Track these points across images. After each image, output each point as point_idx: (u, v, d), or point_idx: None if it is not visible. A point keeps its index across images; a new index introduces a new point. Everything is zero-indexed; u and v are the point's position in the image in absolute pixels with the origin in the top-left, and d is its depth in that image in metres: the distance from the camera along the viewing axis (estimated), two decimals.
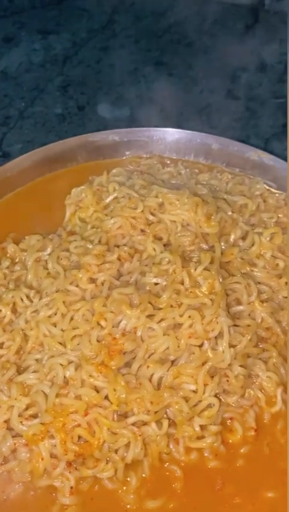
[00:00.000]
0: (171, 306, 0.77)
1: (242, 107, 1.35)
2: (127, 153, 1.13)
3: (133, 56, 1.52)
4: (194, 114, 1.32)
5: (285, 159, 1.12)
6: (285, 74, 1.45)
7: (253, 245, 0.90)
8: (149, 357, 0.75)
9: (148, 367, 0.73)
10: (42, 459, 0.69)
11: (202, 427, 0.73)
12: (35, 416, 0.72)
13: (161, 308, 0.77)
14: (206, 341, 0.75)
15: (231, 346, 0.75)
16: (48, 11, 1.71)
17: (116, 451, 0.70)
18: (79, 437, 0.70)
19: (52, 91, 1.39)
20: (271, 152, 1.14)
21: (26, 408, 0.72)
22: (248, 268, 0.86)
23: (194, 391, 0.73)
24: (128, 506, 0.69)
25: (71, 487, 0.69)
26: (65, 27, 1.64)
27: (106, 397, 0.71)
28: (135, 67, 1.47)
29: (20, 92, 1.38)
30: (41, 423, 0.70)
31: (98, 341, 0.74)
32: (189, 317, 0.75)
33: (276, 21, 1.64)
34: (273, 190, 1.04)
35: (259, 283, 0.85)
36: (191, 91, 1.40)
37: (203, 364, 0.74)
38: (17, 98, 1.36)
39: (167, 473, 0.72)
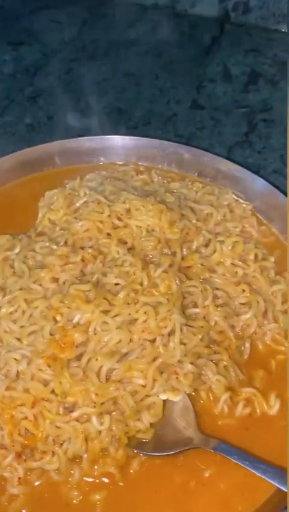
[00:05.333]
0: (128, 303, 0.81)
1: (207, 116, 1.40)
2: (102, 159, 1.18)
3: (102, 67, 1.56)
4: (161, 124, 1.37)
5: (247, 166, 1.17)
6: (249, 84, 1.51)
7: (214, 252, 0.94)
8: (100, 350, 0.79)
9: (97, 359, 0.77)
10: None
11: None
12: None
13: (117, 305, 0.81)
14: (158, 337, 0.79)
15: (182, 343, 0.80)
16: (19, 22, 1.75)
17: (61, 444, 0.75)
18: (27, 429, 0.74)
19: (22, 101, 1.42)
20: (233, 160, 1.20)
21: None
22: (207, 275, 0.91)
23: (143, 386, 0.78)
24: (71, 499, 0.73)
25: (19, 478, 0.73)
26: (36, 38, 1.67)
27: (53, 391, 0.76)
28: (104, 78, 1.51)
29: None
30: None
31: (51, 334, 0.78)
32: (145, 313, 0.80)
33: (241, 33, 1.70)
34: (241, 201, 1.09)
35: (217, 289, 0.90)
36: (158, 101, 1.44)
37: (154, 359, 0.78)
38: None
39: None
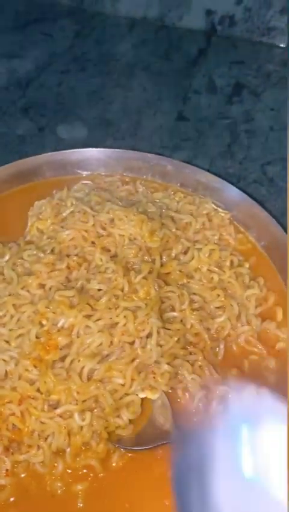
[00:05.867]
0: (109, 308, 0.87)
1: (192, 128, 1.46)
2: (89, 170, 1.24)
3: (93, 79, 1.62)
4: (147, 135, 1.43)
5: (228, 177, 1.24)
6: (233, 96, 1.58)
7: (192, 259, 1.00)
8: (82, 352, 0.85)
9: (79, 361, 0.84)
10: None
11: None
12: None
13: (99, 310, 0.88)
14: (137, 340, 0.86)
15: (159, 345, 0.86)
16: (13, 35, 1.80)
17: (46, 439, 0.81)
18: (14, 425, 0.81)
19: (14, 113, 1.48)
20: (215, 170, 1.26)
21: None
22: (185, 280, 0.97)
23: (122, 385, 0.84)
24: (55, 490, 0.79)
25: (7, 470, 0.79)
26: (29, 51, 1.73)
27: (39, 390, 0.82)
28: (94, 90, 1.57)
29: None
30: None
31: (37, 338, 0.85)
32: (125, 317, 0.86)
33: (227, 46, 1.76)
34: (220, 210, 1.14)
35: (194, 293, 0.96)
36: (145, 113, 1.50)
37: (132, 360, 0.84)
38: None
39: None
